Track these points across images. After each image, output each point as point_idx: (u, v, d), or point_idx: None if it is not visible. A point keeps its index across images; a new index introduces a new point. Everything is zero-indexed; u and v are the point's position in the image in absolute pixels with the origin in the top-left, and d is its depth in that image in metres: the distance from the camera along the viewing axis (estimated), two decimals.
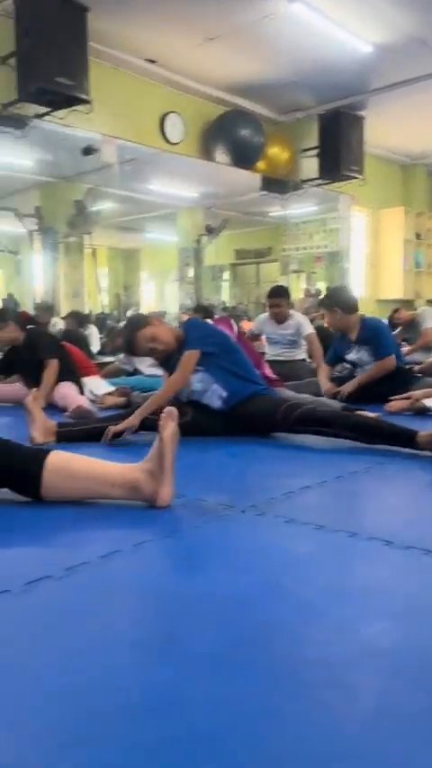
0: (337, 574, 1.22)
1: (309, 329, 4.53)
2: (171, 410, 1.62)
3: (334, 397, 3.42)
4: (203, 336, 2.54)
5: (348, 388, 3.44)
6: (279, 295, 4.56)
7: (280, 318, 4.54)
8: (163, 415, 1.60)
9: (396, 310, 6.17)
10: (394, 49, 5.41)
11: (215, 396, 2.52)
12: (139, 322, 2.67)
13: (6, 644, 0.95)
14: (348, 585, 1.16)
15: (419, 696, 0.80)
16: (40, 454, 1.62)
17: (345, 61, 5.64)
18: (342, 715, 0.77)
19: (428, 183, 9.46)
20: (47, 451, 1.63)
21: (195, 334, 2.53)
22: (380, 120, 6.98)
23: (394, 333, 5.94)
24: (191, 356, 2.46)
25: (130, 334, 2.64)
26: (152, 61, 5.79)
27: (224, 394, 2.50)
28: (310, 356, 4.61)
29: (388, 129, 7.48)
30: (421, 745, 0.71)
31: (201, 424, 2.46)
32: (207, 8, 4.87)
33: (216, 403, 2.52)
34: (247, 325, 4.79)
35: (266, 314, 4.69)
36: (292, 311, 4.68)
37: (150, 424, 2.45)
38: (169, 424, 1.59)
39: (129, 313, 9.74)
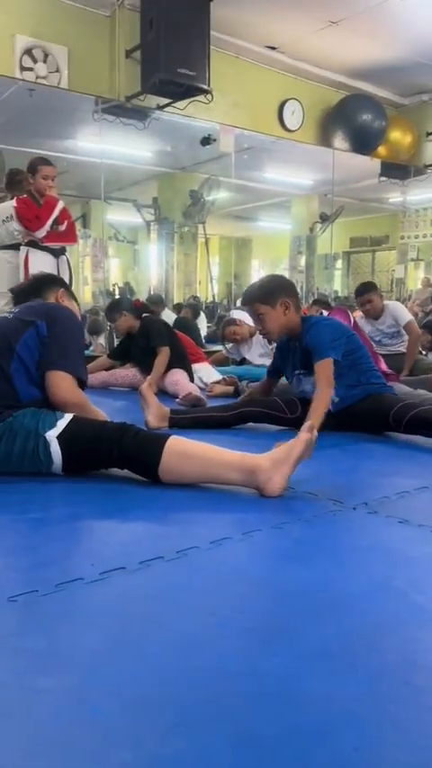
0: None
1: (406, 317, 4.32)
2: (311, 425, 1.69)
3: None
4: (333, 340, 2.38)
5: None
6: (368, 290, 4.38)
7: (374, 314, 4.38)
8: (305, 426, 1.68)
9: None
10: None
11: None
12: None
13: (122, 620, 1.00)
14: None
15: None
16: (161, 437, 1.68)
17: None
18: None
19: None
20: (167, 435, 1.69)
21: (326, 339, 2.36)
22: None
23: None
24: (327, 366, 2.31)
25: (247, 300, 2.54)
26: (273, 48, 5.75)
27: (336, 399, 2.44)
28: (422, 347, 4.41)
29: None
30: None
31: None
32: None
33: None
34: (357, 314, 4.66)
35: (360, 313, 4.52)
36: (386, 302, 4.50)
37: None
38: (309, 436, 1.64)
39: (239, 302, 9.80)
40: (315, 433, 1.68)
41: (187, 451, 1.67)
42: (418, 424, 2.27)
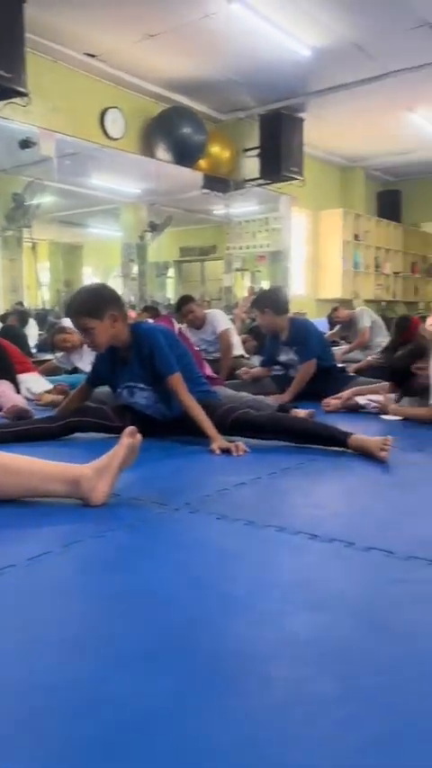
0: (264, 568, 1.25)
1: (221, 326, 4.52)
2: (133, 429, 1.70)
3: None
4: (171, 351, 2.42)
5: (284, 398, 3.44)
6: (186, 302, 4.55)
7: (197, 324, 4.55)
8: (126, 431, 1.69)
9: (335, 309, 6.33)
10: (332, 53, 5.52)
11: (158, 412, 2.51)
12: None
13: None
14: (273, 579, 1.20)
15: (331, 683, 0.84)
16: None
17: (284, 63, 5.73)
18: (255, 704, 0.80)
19: (366, 185, 9.71)
20: None
21: (167, 352, 2.40)
22: (319, 123, 7.13)
23: (333, 331, 6.11)
24: (179, 380, 2.38)
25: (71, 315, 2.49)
26: (92, 55, 5.72)
27: (167, 412, 2.49)
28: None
29: (327, 132, 7.64)
30: (330, 730, 0.75)
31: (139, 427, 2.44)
32: (148, 5, 4.84)
33: (158, 416, 2.51)
34: None
35: (184, 324, 4.57)
36: (207, 311, 4.70)
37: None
38: (130, 440, 1.67)
39: None
40: (138, 437, 1.70)
41: (6, 466, 1.62)
42: (241, 425, 2.40)
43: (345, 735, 0.75)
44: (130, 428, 1.71)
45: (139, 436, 1.71)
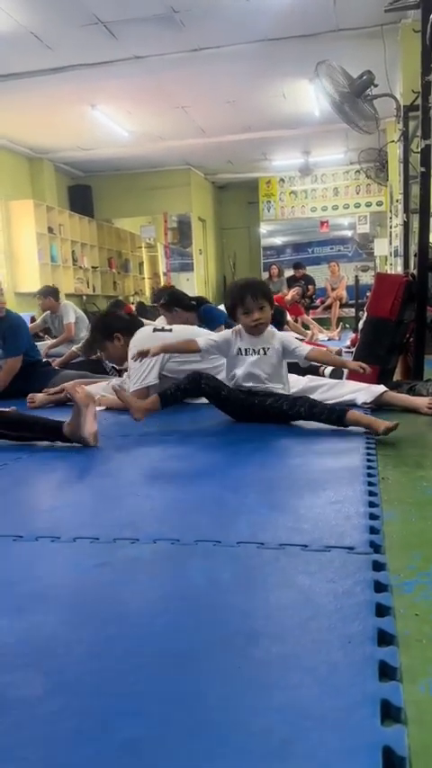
0: None
1: None
2: None
3: None
4: None
5: None
6: None
7: None
8: None
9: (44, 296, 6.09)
10: (7, 39, 5.30)
11: None
12: None
13: None
14: None
15: (38, 682, 0.83)
16: None
17: None
18: None
19: (57, 178, 9.64)
20: None
21: None
22: (0, 110, 6.83)
23: (37, 323, 5.98)
24: None
25: None
26: None
27: None
28: None
29: (9, 120, 7.37)
30: (38, 729, 0.74)
31: None
32: None
33: None
34: None
35: None
36: None
37: None
38: None
39: None
40: None
41: None
42: None
43: (54, 729, 0.74)
44: None
45: None
